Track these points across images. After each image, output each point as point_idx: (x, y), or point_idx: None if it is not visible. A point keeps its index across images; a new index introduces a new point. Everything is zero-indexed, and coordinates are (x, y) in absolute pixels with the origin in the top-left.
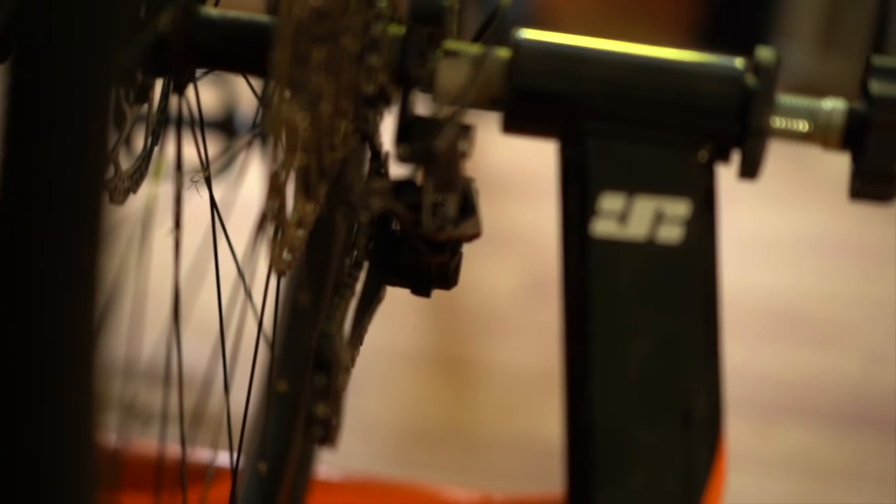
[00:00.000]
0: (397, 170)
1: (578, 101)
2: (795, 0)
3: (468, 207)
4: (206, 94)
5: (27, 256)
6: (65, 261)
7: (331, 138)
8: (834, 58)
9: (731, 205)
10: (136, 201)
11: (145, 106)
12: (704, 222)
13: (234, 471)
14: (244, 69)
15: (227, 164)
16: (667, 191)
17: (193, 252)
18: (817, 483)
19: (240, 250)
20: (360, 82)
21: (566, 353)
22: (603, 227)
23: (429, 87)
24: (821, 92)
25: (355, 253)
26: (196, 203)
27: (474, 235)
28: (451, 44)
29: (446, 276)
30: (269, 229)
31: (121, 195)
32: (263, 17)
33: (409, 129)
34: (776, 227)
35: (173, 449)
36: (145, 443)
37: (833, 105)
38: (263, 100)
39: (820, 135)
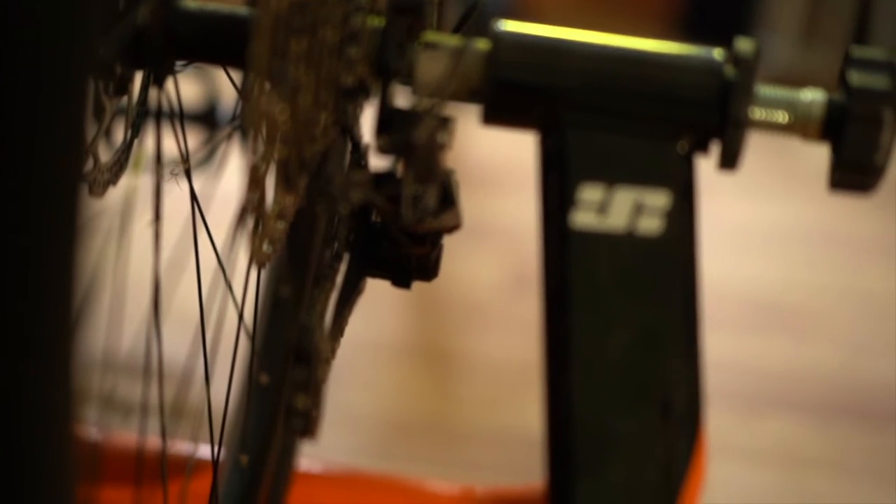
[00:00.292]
0: (378, 162)
1: (558, 92)
2: None
3: (448, 199)
4: (188, 86)
5: (5, 249)
6: (43, 253)
7: (310, 130)
8: (816, 49)
9: (717, 196)
10: (115, 194)
11: (125, 98)
12: (684, 213)
13: (215, 463)
14: (224, 61)
15: (207, 157)
16: (646, 182)
17: (173, 244)
18: (800, 474)
19: (220, 243)
20: (340, 74)
21: (546, 345)
22: (582, 218)
23: (408, 78)
24: (803, 84)
25: (335, 245)
26: (176, 195)
27: (454, 227)
28: (430, 36)
29: (427, 268)
30: (249, 221)
31: (100, 187)
32: (243, 10)
33: (388, 120)
34: (761, 219)
35: (154, 441)
36: (125, 435)
37: (812, 96)
38: (243, 92)
39: (799, 126)
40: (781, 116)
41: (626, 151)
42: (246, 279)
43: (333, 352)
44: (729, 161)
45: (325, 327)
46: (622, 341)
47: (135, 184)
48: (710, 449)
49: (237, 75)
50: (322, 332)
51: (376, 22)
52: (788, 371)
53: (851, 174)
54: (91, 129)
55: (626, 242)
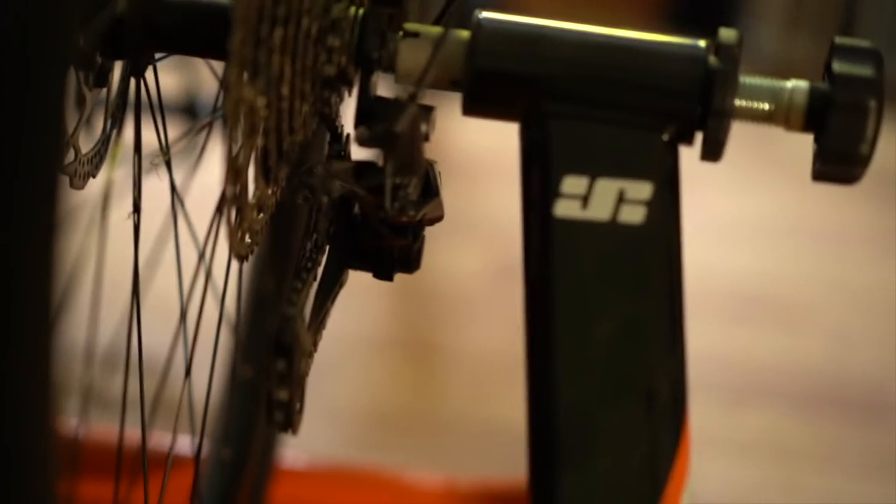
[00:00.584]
0: (359, 152)
1: (539, 82)
2: None
3: (430, 190)
4: (169, 77)
5: None
6: (22, 246)
7: (290, 121)
8: (802, 39)
9: (704, 188)
10: (95, 185)
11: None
12: (667, 204)
13: (197, 457)
14: (204, 52)
15: (187, 148)
16: (629, 173)
17: (153, 236)
18: (785, 465)
19: (201, 234)
20: (320, 64)
21: (528, 337)
22: (565, 209)
23: (390, 68)
24: (789, 74)
25: (316, 237)
26: (156, 187)
27: (437, 218)
28: (411, 25)
29: (409, 260)
30: (229, 213)
31: (80, 179)
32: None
33: (369, 111)
34: (748, 211)
35: (134, 435)
36: (106, 429)
37: (795, 85)
38: (223, 83)
39: (782, 115)
40: (764, 106)
41: (609, 142)
42: (227, 271)
43: (315, 345)
44: (712, 151)
45: (305, 319)
46: (606, 332)
47: (113, 175)
48: (697, 442)
49: (218, 66)
50: (303, 325)
51: (357, 11)
52: (772, 362)
53: (835, 164)
54: (72, 121)
55: (610, 233)
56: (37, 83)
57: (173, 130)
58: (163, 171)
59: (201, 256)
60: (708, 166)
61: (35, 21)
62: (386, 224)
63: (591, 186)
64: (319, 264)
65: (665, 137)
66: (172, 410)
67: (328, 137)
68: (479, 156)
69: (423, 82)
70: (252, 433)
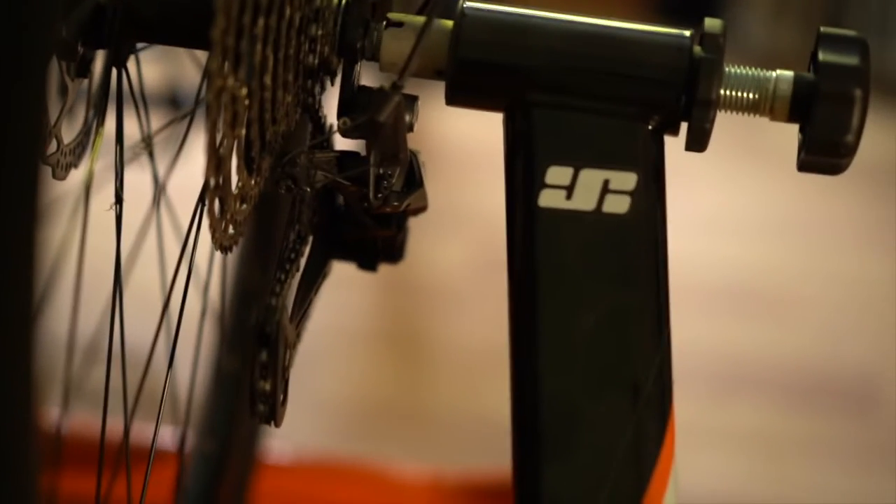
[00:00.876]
0: (343, 143)
1: (523, 72)
2: None
3: (414, 180)
4: (151, 68)
5: None
6: (3, 236)
7: (273, 111)
8: (789, 29)
9: (693, 180)
10: (77, 176)
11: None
12: (652, 194)
13: (181, 449)
14: (186, 41)
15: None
16: (614, 163)
17: (136, 227)
18: (774, 458)
19: (183, 225)
20: (303, 54)
21: (513, 328)
22: (549, 199)
23: (373, 58)
24: (776, 64)
25: (298, 227)
26: (138, 178)
27: (421, 209)
28: (395, 14)
29: (393, 251)
30: (212, 203)
31: (63, 170)
32: None
33: (352, 101)
34: (735, 203)
35: (117, 427)
36: (88, 422)
37: (780, 74)
38: (205, 73)
39: (767, 105)
40: (749, 95)
41: (594, 132)
42: (209, 262)
43: (299, 336)
44: (697, 141)
45: (289, 310)
46: (590, 322)
47: (95, 166)
48: (685, 435)
49: (201, 56)
50: (286, 316)
51: (340, 0)
52: (764, 355)
53: (820, 154)
54: (54, 111)
55: (594, 223)
56: (18, 73)
57: (156, 121)
58: (145, 161)
59: (184, 247)
60: (697, 159)
61: (16, 10)
62: (369, 214)
63: (575, 176)
64: (303, 255)
65: (650, 127)
66: (155, 402)
67: (311, 127)
68: (466, 147)
69: (406, 72)
70: (236, 425)
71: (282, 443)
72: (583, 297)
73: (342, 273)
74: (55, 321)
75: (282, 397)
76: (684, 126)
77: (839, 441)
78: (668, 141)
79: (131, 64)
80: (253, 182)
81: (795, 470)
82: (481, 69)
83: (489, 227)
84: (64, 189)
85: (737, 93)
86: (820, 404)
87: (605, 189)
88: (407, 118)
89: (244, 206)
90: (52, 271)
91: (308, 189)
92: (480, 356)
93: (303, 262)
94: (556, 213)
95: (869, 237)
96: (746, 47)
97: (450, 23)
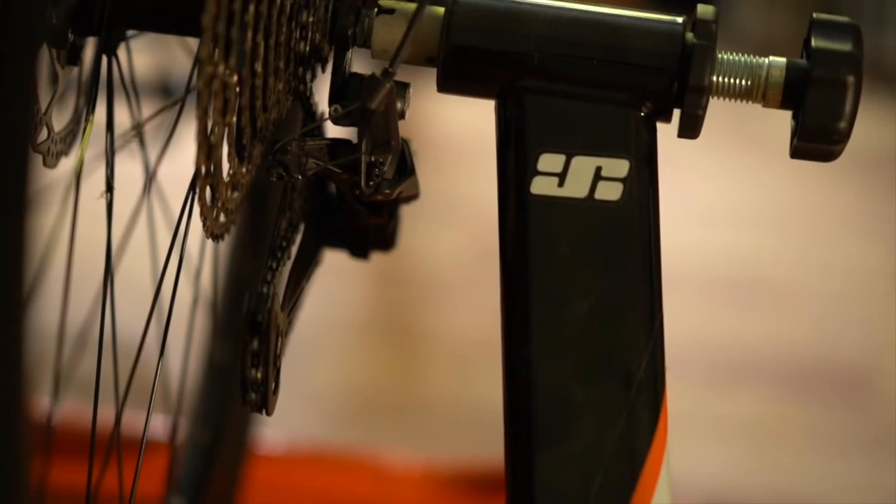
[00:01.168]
0: (334, 130)
1: (515, 58)
2: None
3: (405, 168)
4: (142, 56)
5: None
6: None
7: (264, 98)
8: (783, 16)
9: (690, 170)
10: (67, 164)
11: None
12: (645, 181)
13: (173, 438)
14: (177, 29)
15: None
16: (606, 150)
17: (126, 215)
18: (770, 447)
19: (175, 213)
20: (294, 41)
21: (505, 316)
22: (541, 187)
23: (365, 45)
24: (770, 51)
25: (290, 215)
26: (129, 166)
27: (412, 196)
28: (386, 1)
29: (384, 239)
30: (203, 191)
31: (53, 158)
32: None
33: (344, 88)
34: (733, 193)
35: (109, 417)
36: (79, 411)
37: (773, 61)
38: (197, 60)
39: (760, 91)
40: (742, 82)
41: (586, 118)
42: (201, 250)
43: (291, 324)
44: (690, 128)
45: (280, 298)
46: (582, 310)
47: (85, 154)
48: (681, 423)
49: (192, 44)
50: (277, 304)
51: None
52: (760, 345)
53: (813, 141)
54: (44, 99)
55: (586, 211)
56: (9, 60)
57: (147, 109)
58: (136, 149)
59: (175, 235)
60: (694, 148)
61: None
62: (361, 202)
63: (567, 164)
64: (294, 243)
65: (642, 114)
66: (147, 392)
67: (302, 115)
68: (459, 135)
69: (398, 59)
70: (228, 414)
71: (275, 432)
72: (575, 284)
73: (334, 262)
74: (46, 310)
75: (273, 386)
76: (677, 113)
77: (836, 429)
78: (663, 130)
79: (122, 51)
80: (244, 170)
81: (792, 458)
82: (473, 56)
83: (482, 217)
84: (54, 177)
85: (729, 79)
86: (817, 393)
87: (598, 176)
88: (399, 106)
89: (235, 193)
90: (43, 260)
91: (299, 177)
92: (473, 345)
93: (294, 250)
94: (549, 200)
95: (866, 227)
96: (740, 34)
97: (441, 9)
